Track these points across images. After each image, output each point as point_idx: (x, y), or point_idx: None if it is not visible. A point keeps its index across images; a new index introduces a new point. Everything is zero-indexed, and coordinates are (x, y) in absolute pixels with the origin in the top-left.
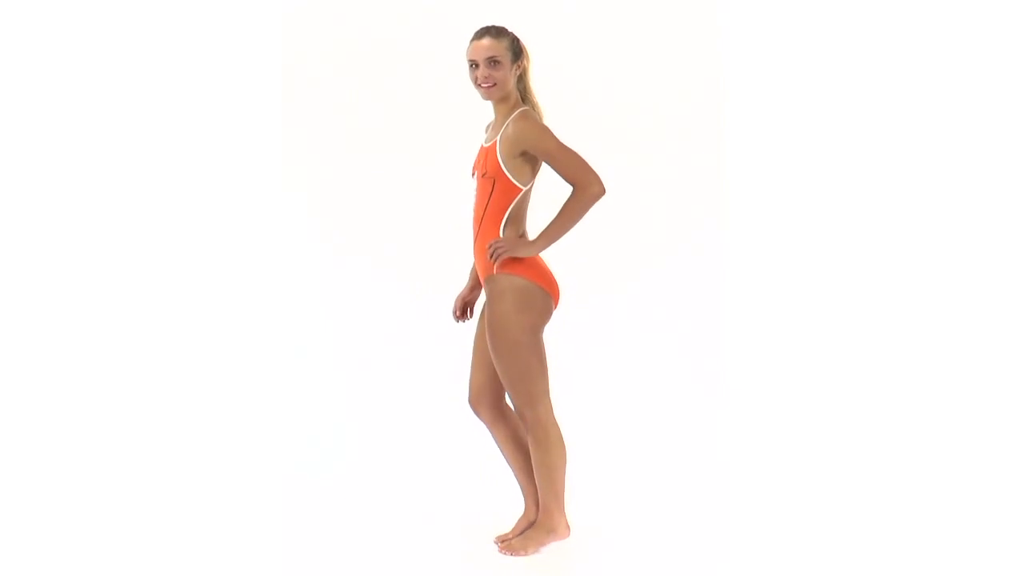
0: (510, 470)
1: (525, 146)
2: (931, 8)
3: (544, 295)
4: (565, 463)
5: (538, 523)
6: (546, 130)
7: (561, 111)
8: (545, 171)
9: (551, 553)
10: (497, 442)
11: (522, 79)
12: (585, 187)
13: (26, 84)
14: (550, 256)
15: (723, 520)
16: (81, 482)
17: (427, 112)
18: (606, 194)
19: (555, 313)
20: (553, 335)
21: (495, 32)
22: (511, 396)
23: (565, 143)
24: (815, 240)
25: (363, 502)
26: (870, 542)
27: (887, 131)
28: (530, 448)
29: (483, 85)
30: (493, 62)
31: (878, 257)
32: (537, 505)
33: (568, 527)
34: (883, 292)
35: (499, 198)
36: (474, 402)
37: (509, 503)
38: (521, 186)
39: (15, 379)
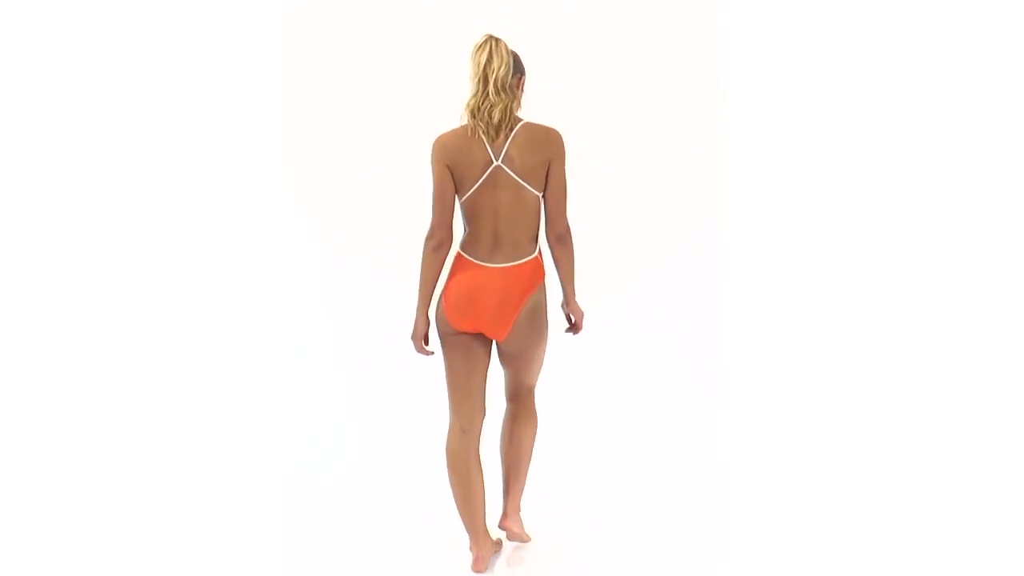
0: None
1: None
2: (930, 8)
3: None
4: (455, 481)
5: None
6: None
7: (561, 111)
8: (579, 185)
9: (550, 553)
10: None
11: None
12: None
13: (26, 84)
14: (549, 256)
15: (723, 519)
16: (82, 482)
17: (427, 112)
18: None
19: (554, 311)
20: (553, 334)
21: None
22: None
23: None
24: (815, 240)
25: (363, 502)
26: (869, 542)
27: (886, 130)
28: None
29: None
30: None
31: (877, 256)
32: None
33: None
34: (882, 291)
35: None
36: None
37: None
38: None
39: (16, 380)
